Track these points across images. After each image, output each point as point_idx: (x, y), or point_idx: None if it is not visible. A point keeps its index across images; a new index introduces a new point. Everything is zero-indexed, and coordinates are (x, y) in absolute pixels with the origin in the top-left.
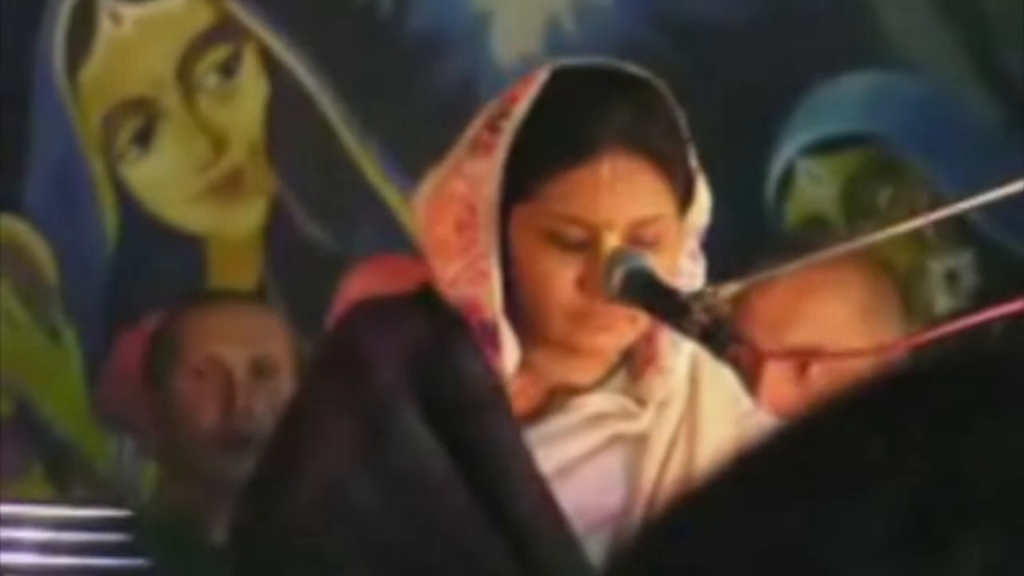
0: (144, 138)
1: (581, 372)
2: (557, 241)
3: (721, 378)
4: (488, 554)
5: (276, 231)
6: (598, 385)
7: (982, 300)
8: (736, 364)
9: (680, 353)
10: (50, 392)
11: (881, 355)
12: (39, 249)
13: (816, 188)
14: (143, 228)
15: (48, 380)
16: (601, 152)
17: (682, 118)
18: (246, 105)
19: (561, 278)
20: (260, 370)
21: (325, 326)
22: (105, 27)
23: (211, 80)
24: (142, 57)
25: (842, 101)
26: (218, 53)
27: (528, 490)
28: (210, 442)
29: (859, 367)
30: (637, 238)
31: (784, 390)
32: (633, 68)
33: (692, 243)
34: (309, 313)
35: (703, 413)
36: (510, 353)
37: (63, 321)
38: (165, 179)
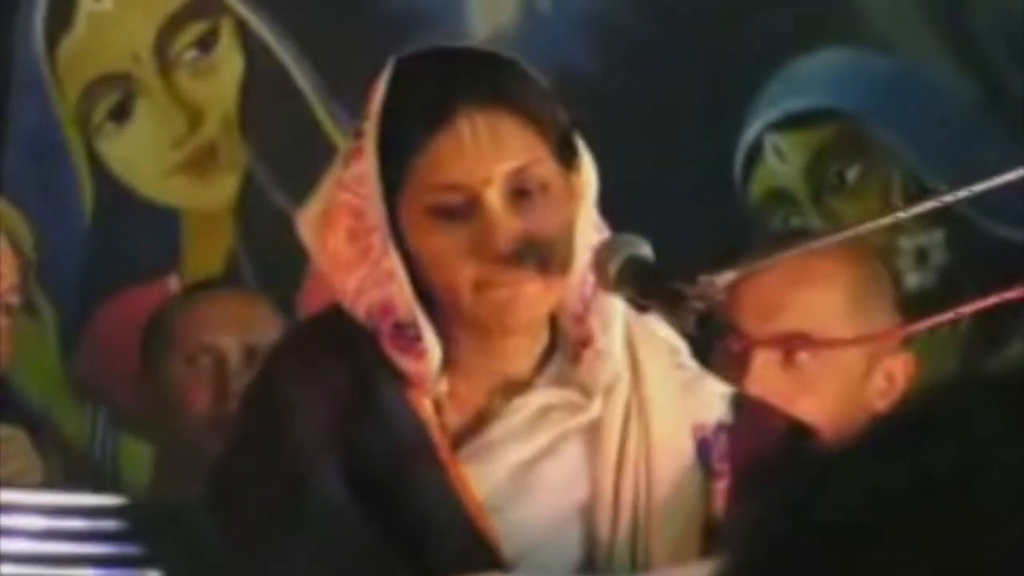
0: (121, 113)
1: (516, 359)
2: (442, 215)
3: (658, 346)
4: None
5: (249, 205)
6: (535, 374)
7: (952, 278)
8: (725, 351)
9: (614, 331)
10: (25, 364)
11: (869, 344)
12: (15, 222)
13: (781, 163)
14: (119, 202)
15: (23, 353)
16: (457, 113)
17: (542, 81)
18: (222, 80)
19: (456, 250)
20: (253, 357)
21: (297, 301)
22: (85, 2)
23: (188, 55)
24: (121, 32)
25: (814, 77)
26: (196, 28)
27: (456, 532)
28: (205, 427)
29: (847, 355)
30: (520, 190)
31: (772, 377)
32: (475, 46)
33: (592, 212)
34: (281, 287)
35: (649, 387)
36: (432, 350)
37: (39, 294)
38: (141, 153)
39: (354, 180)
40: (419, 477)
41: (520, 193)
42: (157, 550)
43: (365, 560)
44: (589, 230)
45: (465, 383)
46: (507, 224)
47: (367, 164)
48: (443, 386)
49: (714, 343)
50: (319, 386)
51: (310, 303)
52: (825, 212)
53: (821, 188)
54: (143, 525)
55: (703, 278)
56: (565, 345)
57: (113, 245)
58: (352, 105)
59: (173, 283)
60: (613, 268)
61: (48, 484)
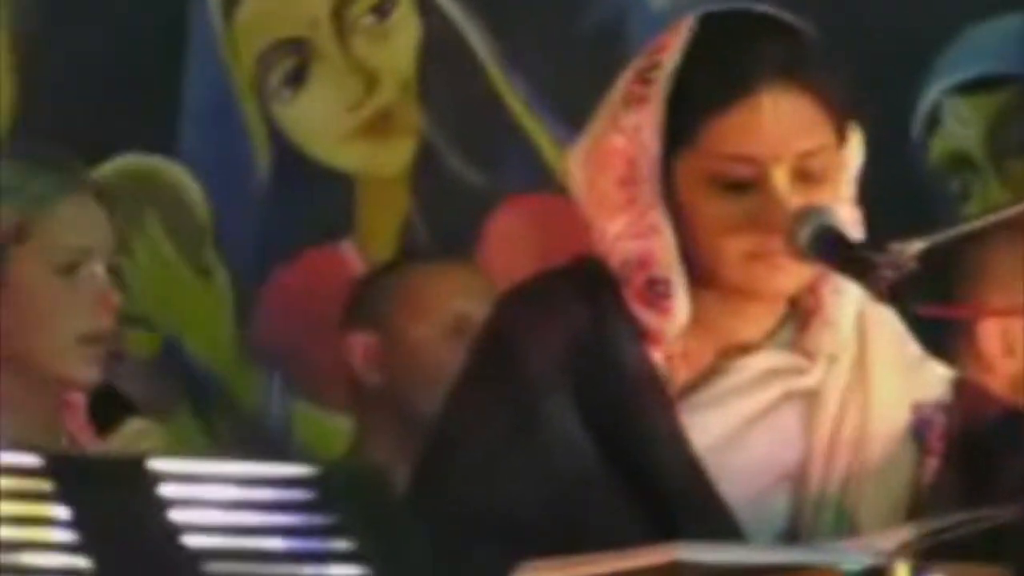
0: (296, 78)
1: (752, 324)
2: (725, 183)
3: (888, 327)
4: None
5: (424, 170)
6: (768, 339)
7: None
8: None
9: (845, 303)
10: (200, 331)
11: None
12: (192, 190)
13: (961, 127)
14: (294, 167)
15: (198, 319)
16: (759, 88)
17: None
18: (398, 45)
19: (733, 220)
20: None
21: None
22: None
23: (365, 20)
24: None
25: (993, 43)
26: None
27: (681, 475)
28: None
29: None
30: (804, 172)
31: None
32: (775, 11)
33: (851, 187)
34: (456, 252)
35: (873, 364)
36: (680, 311)
37: (215, 261)
38: (316, 118)
39: (632, 127)
40: (646, 423)
41: (803, 175)
42: (347, 519)
43: (593, 488)
44: (846, 205)
45: (698, 341)
46: (788, 203)
47: (651, 115)
48: (678, 343)
49: (907, 312)
50: (555, 322)
51: (484, 269)
52: (1005, 176)
53: (1001, 152)
54: (333, 494)
55: (894, 246)
56: (797, 313)
57: (288, 210)
58: (528, 72)
59: (348, 248)
60: (804, 237)
61: (220, 452)
